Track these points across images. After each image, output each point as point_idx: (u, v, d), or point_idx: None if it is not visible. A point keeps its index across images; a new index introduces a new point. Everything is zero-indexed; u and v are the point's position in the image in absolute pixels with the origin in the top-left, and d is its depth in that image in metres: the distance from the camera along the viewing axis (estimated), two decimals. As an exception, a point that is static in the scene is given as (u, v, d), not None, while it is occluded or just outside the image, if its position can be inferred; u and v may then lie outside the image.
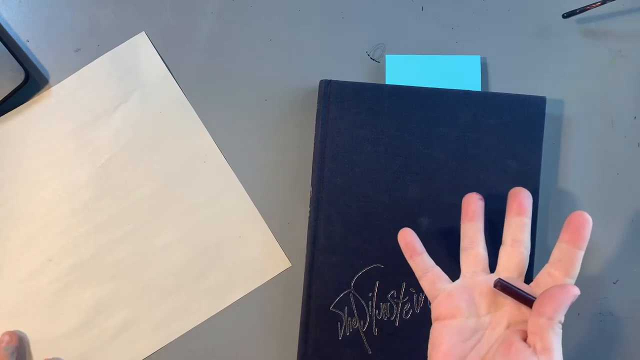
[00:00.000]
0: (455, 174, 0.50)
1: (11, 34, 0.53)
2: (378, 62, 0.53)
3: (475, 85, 0.52)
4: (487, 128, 0.50)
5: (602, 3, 0.51)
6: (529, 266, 0.48)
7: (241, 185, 0.52)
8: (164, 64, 0.52)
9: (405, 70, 0.52)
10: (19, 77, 0.51)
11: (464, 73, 0.52)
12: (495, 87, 0.53)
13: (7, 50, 0.51)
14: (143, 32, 0.51)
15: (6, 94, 0.51)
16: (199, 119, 0.52)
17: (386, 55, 0.52)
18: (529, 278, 0.48)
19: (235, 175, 0.52)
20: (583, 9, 0.52)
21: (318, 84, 0.52)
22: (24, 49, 0.53)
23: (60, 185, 0.51)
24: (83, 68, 0.52)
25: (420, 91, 0.50)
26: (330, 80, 0.51)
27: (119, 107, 0.52)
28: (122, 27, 0.53)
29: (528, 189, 0.50)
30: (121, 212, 0.51)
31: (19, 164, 0.51)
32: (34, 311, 0.51)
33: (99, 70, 0.52)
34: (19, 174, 0.51)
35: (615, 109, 0.53)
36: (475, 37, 0.54)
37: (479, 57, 0.52)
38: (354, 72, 0.53)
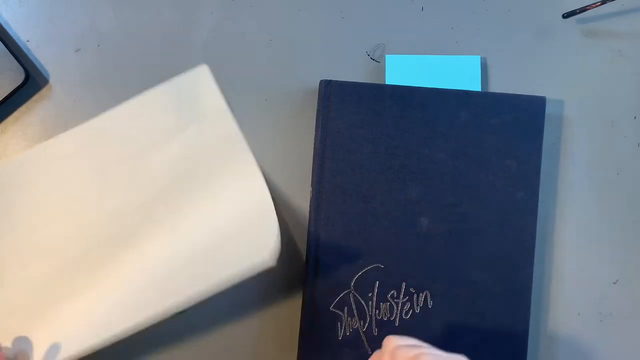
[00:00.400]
0: (455, 174, 0.50)
1: (11, 34, 0.53)
2: (378, 62, 0.53)
3: (475, 85, 0.52)
4: (487, 128, 0.50)
5: (602, 3, 0.51)
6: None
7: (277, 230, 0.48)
8: (223, 100, 0.50)
9: (405, 70, 0.52)
10: (19, 77, 0.51)
11: (464, 73, 0.52)
12: (495, 87, 0.53)
13: (7, 50, 0.51)
14: (205, 65, 0.49)
15: (6, 94, 0.51)
16: (254, 160, 0.49)
17: (386, 55, 0.52)
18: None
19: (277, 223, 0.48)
20: (583, 9, 0.52)
21: (318, 84, 0.52)
22: (24, 49, 0.53)
23: (103, 209, 0.49)
24: (143, 94, 0.50)
25: (420, 91, 0.50)
26: (330, 80, 0.51)
27: (174, 139, 0.50)
28: (122, 27, 0.54)
29: (528, 189, 0.50)
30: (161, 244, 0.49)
31: (67, 182, 0.49)
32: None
33: (158, 99, 0.50)
34: (63, 191, 0.49)
35: (615, 109, 0.53)
36: (475, 37, 0.54)
37: (479, 57, 0.52)
38: (354, 72, 0.53)
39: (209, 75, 0.49)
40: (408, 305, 0.50)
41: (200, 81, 0.49)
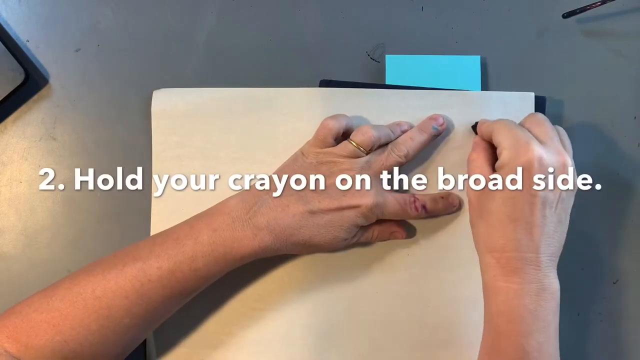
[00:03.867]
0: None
1: (11, 34, 0.53)
2: (378, 62, 0.53)
3: (475, 85, 0.52)
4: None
5: (602, 3, 0.51)
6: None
7: None
8: None
9: (405, 70, 0.52)
10: (19, 77, 0.51)
11: (464, 73, 0.52)
12: (495, 87, 0.53)
13: (7, 50, 0.51)
14: (532, 94, 0.50)
15: (6, 94, 0.51)
16: None
17: (386, 55, 0.52)
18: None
19: None
20: (583, 9, 0.52)
21: (318, 84, 0.51)
22: (24, 49, 0.53)
23: None
24: (465, 91, 0.51)
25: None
26: (330, 80, 0.51)
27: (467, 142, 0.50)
28: (122, 27, 0.53)
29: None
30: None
31: None
32: None
33: (476, 100, 0.51)
34: None
35: (615, 109, 0.53)
36: (475, 37, 0.54)
37: (479, 57, 0.52)
38: (354, 72, 0.53)
39: (531, 103, 0.50)
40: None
41: (523, 107, 0.50)
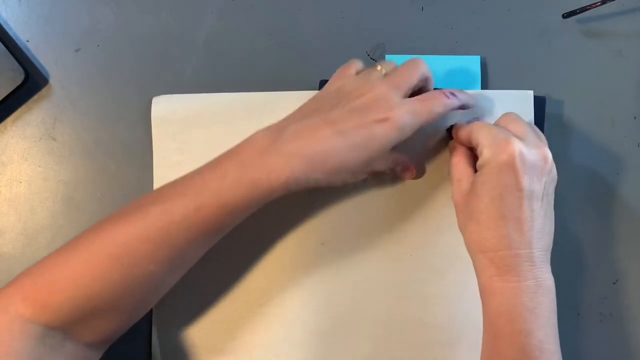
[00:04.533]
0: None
1: (11, 34, 0.53)
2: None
3: (475, 85, 0.52)
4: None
5: (602, 3, 0.51)
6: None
7: None
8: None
9: (405, 70, 0.52)
10: (19, 77, 0.51)
11: (464, 73, 0.52)
12: (495, 87, 0.53)
13: (7, 50, 0.51)
14: (531, 92, 0.50)
15: (6, 94, 0.51)
16: None
17: (386, 56, 0.52)
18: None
19: None
20: (583, 9, 0.52)
21: (318, 84, 0.52)
22: (24, 49, 0.53)
23: None
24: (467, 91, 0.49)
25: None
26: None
27: None
28: (122, 27, 0.53)
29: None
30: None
31: None
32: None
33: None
34: None
35: (615, 109, 0.53)
36: (475, 37, 0.54)
37: (479, 57, 0.52)
38: (354, 72, 0.53)
39: (531, 102, 0.50)
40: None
41: (522, 105, 0.50)
